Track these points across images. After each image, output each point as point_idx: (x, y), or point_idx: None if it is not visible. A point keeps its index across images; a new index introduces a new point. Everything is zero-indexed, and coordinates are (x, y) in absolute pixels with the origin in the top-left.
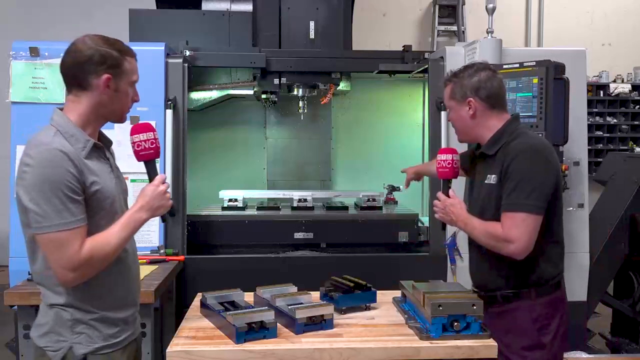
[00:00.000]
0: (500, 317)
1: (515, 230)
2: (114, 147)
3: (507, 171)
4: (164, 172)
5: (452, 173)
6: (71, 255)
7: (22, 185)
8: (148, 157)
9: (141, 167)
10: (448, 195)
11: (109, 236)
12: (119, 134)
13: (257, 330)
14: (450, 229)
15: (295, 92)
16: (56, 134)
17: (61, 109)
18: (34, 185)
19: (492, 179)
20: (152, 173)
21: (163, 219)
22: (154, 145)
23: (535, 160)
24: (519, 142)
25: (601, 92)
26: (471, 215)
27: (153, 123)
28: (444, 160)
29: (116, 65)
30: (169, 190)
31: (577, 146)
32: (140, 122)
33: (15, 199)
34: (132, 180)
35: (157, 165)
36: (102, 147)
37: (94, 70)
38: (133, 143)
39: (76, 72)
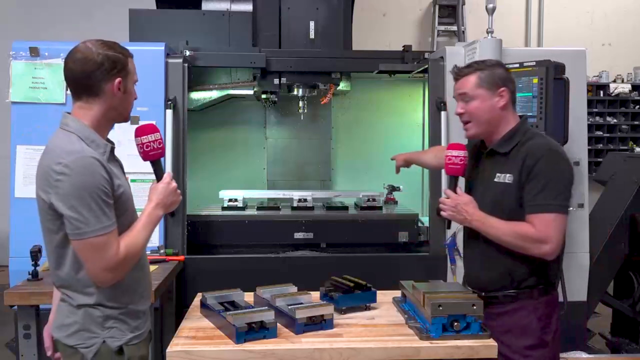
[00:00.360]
0: (501, 317)
1: (549, 231)
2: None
3: (532, 171)
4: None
5: (463, 170)
6: (111, 257)
7: (57, 193)
8: (156, 157)
9: (141, 167)
10: (456, 193)
11: (137, 234)
12: (119, 134)
13: (257, 330)
14: (449, 229)
15: (295, 92)
16: (79, 140)
17: (69, 113)
18: (73, 193)
19: (506, 178)
20: (159, 171)
21: (171, 214)
22: (162, 145)
23: (560, 162)
24: (540, 142)
25: (601, 92)
26: (487, 214)
27: (153, 123)
28: (455, 157)
29: (123, 67)
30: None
31: (577, 146)
32: (142, 122)
33: (37, 204)
34: (132, 180)
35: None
36: (113, 150)
37: (106, 76)
38: (142, 144)
39: (87, 80)
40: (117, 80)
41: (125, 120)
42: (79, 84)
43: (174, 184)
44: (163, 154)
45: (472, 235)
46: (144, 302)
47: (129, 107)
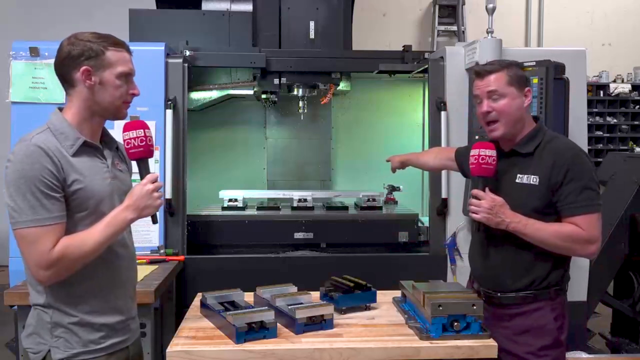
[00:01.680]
0: (517, 318)
1: (595, 231)
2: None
3: (569, 173)
4: (164, 172)
5: (495, 170)
6: (42, 253)
7: (4, 181)
8: (138, 155)
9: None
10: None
11: (89, 235)
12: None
13: (257, 330)
14: (449, 229)
15: (295, 92)
16: (45, 131)
17: (61, 109)
18: (12, 181)
19: (531, 179)
20: (143, 172)
21: (153, 220)
22: (144, 143)
23: (589, 162)
24: (567, 143)
25: (601, 92)
26: (524, 216)
27: (153, 123)
28: (488, 156)
29: (95, 56)
30: (162, 189)
31: None
32: (133, 120)
33: None
34: (132, 180)
35: (157, 164)
36: (96, 146)
37: (74, 64)
38: (123, 141)
39: (61, 70)
40: (83, 68)
41: (117, 117)
42: (58, 75)
43: (150, 186)
44: (147, 154)
45: (490, 235)
46: (111, 315)
47: (113, 100)
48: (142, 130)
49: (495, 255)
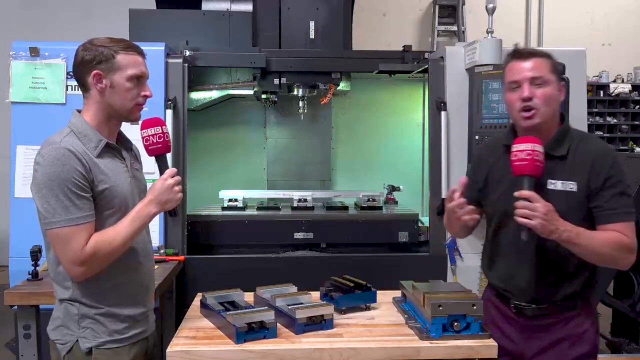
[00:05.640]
0: (552, 327)
1: (635, 239)
2: None
3: (609, 178)
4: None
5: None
6: (76, 250)
7: (33, 183)
8: (157, 151)
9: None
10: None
11: (117, 231)
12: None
13: (257, 330)
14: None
15: (295, 92)
16: (70, 134)
17: (79, 111)
18: (43, 183)
19: (567, 185)
20: (162, 167)
21: (170, 214)
22: (162, 139)
23: (622, 165)
24: (602, 144)
25: (601, 92)
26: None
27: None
28: (539, 152)
29: (105, 60)
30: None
31: None
32: (149, 117)
33: (18, 199)
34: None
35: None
36: (116, 147)
37: (86, 69)
38: (142, 138)
39: (76, 74)
40: (94, 72)
41: (130, 118)
42: (76, 79)
43: (170, 180)
44: (166, 149)
45: (521, 243)
46: (134, 307)
47: (125, 103)
48: (159, 127)
49: (540, 266)
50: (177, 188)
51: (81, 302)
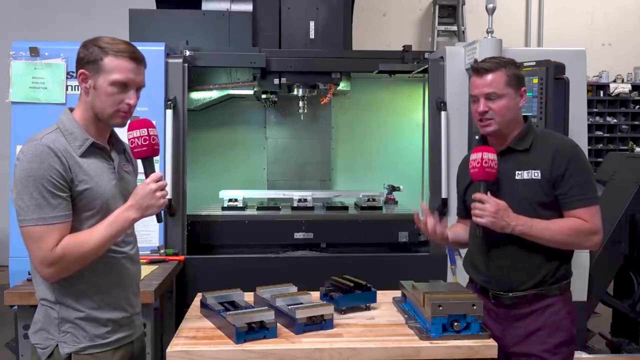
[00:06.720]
0: (530, 316)
1: (598, 222)
2: None
3: (569, 167)
4: (164, 172)
5: (496, 174)
6: (46, 250)
7: (13, 179)
8: (142, 154)
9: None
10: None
11: (90, 235)
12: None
13: (257, 330)
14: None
15: (295, 92)
16: (55, 131)
17: (72, 109)
18: (20, 179)
19: (532, 174)
20: (147, 171)
21: (158, 219)
22: (147, 142)
23: (584, 156)
24: (563, 139)
25: (601, 92)
26: (528, 217)
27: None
28: (491, 160)
29: (92, 61)
30: (167, 188)
31: None
32: (140, 118)
33: None
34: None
35: (157, 164)
36: (104, 148)
37: (77, 67)
38: (128, 140)
39: (75, 70)
40: (80, 71)
41: (109, 123)
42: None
43: (153, 185)
44: (151, 152)
45: (494, 239)
46: (117, 311)
47: (102, 107)
48: (145, 130)
49: (503, 257)
50: (159, 193)
51: (61, 304)
